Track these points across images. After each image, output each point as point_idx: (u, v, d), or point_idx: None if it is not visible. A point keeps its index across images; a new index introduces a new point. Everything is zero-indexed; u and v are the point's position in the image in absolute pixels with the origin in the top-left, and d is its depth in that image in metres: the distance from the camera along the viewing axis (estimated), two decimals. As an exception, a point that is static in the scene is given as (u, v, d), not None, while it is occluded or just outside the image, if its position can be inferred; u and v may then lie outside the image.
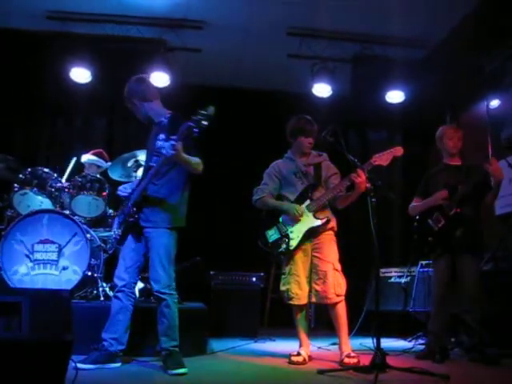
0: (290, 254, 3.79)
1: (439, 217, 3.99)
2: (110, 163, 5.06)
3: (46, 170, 4.90)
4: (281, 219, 3.81)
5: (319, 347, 4.49)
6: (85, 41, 6.00)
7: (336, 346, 3.93)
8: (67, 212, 4.64)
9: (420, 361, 3.78)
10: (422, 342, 4.74)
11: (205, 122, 3.05)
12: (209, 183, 6.45)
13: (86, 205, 4.82)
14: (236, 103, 6.95)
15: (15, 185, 4.76)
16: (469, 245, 3.91)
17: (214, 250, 6.25)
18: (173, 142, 3.10)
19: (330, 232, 3.83)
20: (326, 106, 6.52)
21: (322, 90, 6.41)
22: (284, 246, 3.75)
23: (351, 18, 5.79)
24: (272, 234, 3.80)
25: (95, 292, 4.49)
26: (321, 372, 3.22)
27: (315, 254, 3.76)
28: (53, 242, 4.35)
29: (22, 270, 4.26)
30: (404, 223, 6.91)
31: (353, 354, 3.58)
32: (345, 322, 3.71)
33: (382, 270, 5.88)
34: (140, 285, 4.47)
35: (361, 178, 3.49)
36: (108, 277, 4.45)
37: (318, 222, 3.74)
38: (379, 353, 3.06)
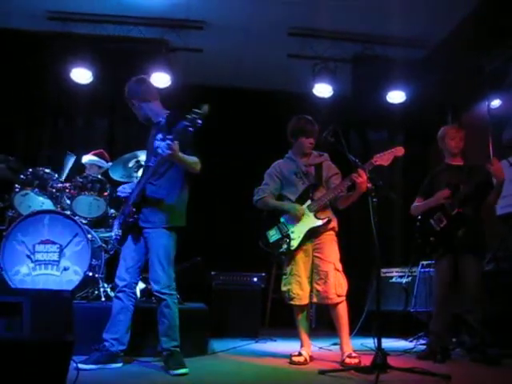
0: (291, 255, 3.79)
1: (441, 217, 3.99)
2: (110, 164, 5.06)
3: (47, 170, 4.89)
4: (282, 219, 3.81)
5: (320, 347, 4.49)
6: (86, 41, 6.01)
7: (337, 347, 3.93)
8: (68, 212, 4.65)
9: (421, 361, 3.78)
10: (423, 342, 4.73)
11: (199, 121, 3.07)
12: (209, 183, 6.47)
13: (87, 205, 4.82)
14: (237, 103, 6.96)
15: (16, 185, 4.76)
16: (471, 245, 3.91)
17: (214, 250, 6.25)
18: (168, 142, 3.10)
19: (331, 232, 3.83)
20: (327, 106, 6.53)
21: (322, 90, 6.42)
22: (285, 246, 3.75)
23: (352, 18, 5.80)
24: (273, 235, 3.80)
25: (96, 292, 4.49)
26: (322, 372, 3.22)
27: (316, 254, 3.76)
28: (54, 243, 4.35)
29: (24, 270, 4.26)
30: (405, 223, 6.91)
31: (354, 355, 3.58)
32: (346, 322, 3.70)
33: (383, 270, 5.88)
34: (141, 285, 4.47)
35: (362, 178, 3.49)
36: (109, 277, 4.45)
37: (319, 222, 3.74)
38: (380, 353, 3.05)
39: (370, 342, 3.74)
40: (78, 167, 5.37)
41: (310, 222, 3.74)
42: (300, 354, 3.72)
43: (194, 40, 6.12)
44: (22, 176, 4.79)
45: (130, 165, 4.66)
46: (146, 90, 3.57)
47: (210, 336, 4.40)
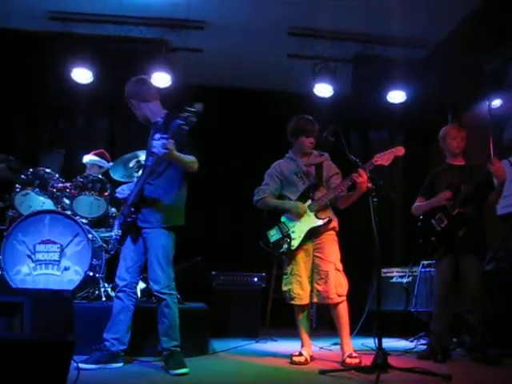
0: (291, 254, 3.79)
1: (442, 217, 3.99)
2: (111, 163, 5.07)
3: (47, 170, 4.90)
4: (282, 219, 3.81)
5: (321, 347, 4.49)
6: (86, 41, 6.01)
7: (338, 346, 3.93)
8: (69, 212, 4.65)
9: (422, 361, 3.78)
10: (424, 342, 4.73)
11: (193, 119, 3.08)
12: (209, 183, 6.49)
13: (88, 205, 4.83)
14: (237, 103, 6.97)
15: (17, 185, 4.77)
16: (471, 245, 3.91)
17: (215, 250, 6.25)
18: (164, 141, 3.10)
19: (332, 232, 3.83)
20: (328, 106, 6.53)
21: (323, 90, 6.42)
22: (285, 246, 3.75)
23: (352, 18, 5.80)
24: (273, 234, 3.80)
25: (97, 292, 4.49)
26: (322, 372, 3.22)
27: (317, 254, 3.76)
28: (54, 243, 4.35)
29: (24, 270, 4.27)
30: (405, 223, 6.92)
31: (354, 354, 3.58)
32: (346, 322, 3.70)
33: (384, 270, 5.88)
34: (142, 285, 4.47)
35: (362, 178, 3.49)
36: (110, 277, 4.46)
37: (320, 222, 3.74)
38: (381, 353, 3.05)
39: (371, 342, 3.73)
40: (79, 167, 5.37)
41: (311, 221, 3.74)
42: (301, 354, 3.72)
43: (194, 40, 6.12)
44: (22, 176, 4.79)
45: (131, 165, 4.66)
46: (145, 90, 3.57)
47: (211, 336, 4.40)
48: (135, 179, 4.41)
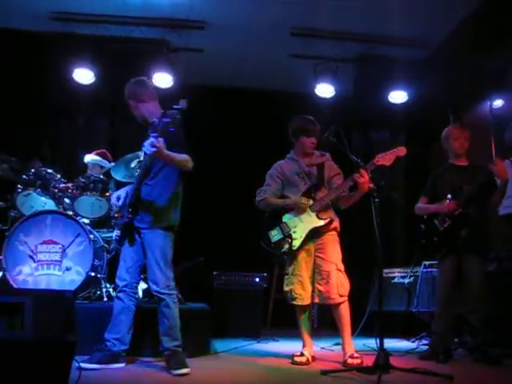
0: (293, 255, 3.79)
1: (445, 217, 3.99)
2: (113, 163, 5.07)
3: (49, 170, 4.90)
4: (284, 219, 3.81)
5: (322, 348, 4.49)
6: (88, 42, 6.02)
7: (339, 347, 3.93)
8: (70, 213, 4.65)
9: (423, 361, 3.77)
10: (426, 342, 4.73)
11: (177, 116, 3.13)
12: (210, 183, 6.50)
13: (89, 205, 4.83)
14: (238, 103, 6.97)
15: (18, 185, 4.77)
16: (474, 245, 3.91)
17: (216, 250, 6.25)
18: (152, 140, 3.10)
19: (333, 232, 3.82)
20: (329, 107, 6.53)
21: (324, 90, 6.42)
22: (287, 246, 3.75)
23: (354, 18, 5.79)
24: (275, 235, 3.80)
25: (98, 293, 4.49)
26: (324, 373, 3.21)
27: (318, 255, 3.76)
28: (56, 243, 4.36)
29: (26, 270, 4.27)
30: (407, 223, 6.92)
31: (356, 355, 3.58)
32: (348, 323, 3.70)
33: (386, 271, 5.88)
34: (143, 285, 4.47)
35: (364, 178, 3.49)
36: (111, 277, 4.45)
37: (321, 223, 3.74)
38: (382, 353, 3.05)
39: (372, 343, 3.72)
40: (80, 167, 5.38)
41: (312, 222, 3.74)
42: (302, 354, 3.72)
43: (195, 40, 6.13)
44: (24, 176, 4.80)
45: (132, 165, 4.64)
46: (143, 91, 3.57)
47: (212, 336, 4.40)
48: (136, 179, 4.41)
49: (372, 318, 4.56)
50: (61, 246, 4.35)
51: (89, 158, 5.33)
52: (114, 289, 4.29)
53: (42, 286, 4.21)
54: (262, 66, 6.72)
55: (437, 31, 5.95)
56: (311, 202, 3.77)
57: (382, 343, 3.09)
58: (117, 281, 3.47)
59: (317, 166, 3.93)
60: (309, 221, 3.74)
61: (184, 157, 3.33)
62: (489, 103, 5.93)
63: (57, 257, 4.33)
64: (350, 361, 3.53)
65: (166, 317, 3.35)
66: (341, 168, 3.97)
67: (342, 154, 3.62)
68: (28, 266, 4.28)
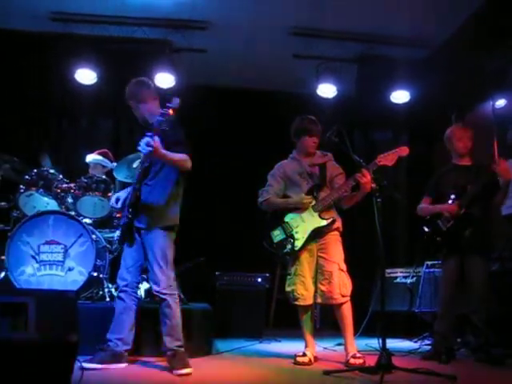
0: (295, 255, 3.78)
1: (448, 217, 3.98)
2: (115, 164, 5.07)
3: (51, 171, 4.91)
4: (286, 219, 3.81)
5: (325, 348, 4.49)
6: (90, 42, 6.02)
7: (341, 347, 3.92)
8: (73, 213, 4.66)
9: (426, 361, 3.77)
10: (428, 342, 4.72)
11: (169, 113, 3.13)
12: (213, 183, 6.50)
13: (92, 206, 4.83)
14: (240, 103, 6.96)
15: (21, 186, 4.78)
16: (477, 245, 3.91)
17: (219, 250, 6.25)
18: (147, 139, 3.10)
19: (336, 232, 3.82)
20: (331, 107, 6.52)
21: (326, 90, 6.41)
22: (289, 246, 3.75)
23: (355, 18, 5.78)
24: (277, 235, 3.80)
25: (101, 293, 4.49)
26: (326, 373, 3.21)
27: (320, 255, 3.76)
28: (58, 243, 4.36)
29: (29, 270, 4.28)
30: (409, 223, 6.90)
31: (358, 355, 3.58)
32: (350, 323, 3.70)
33: (388, 271, 5.88)
34: (146, 285, 4.48)
35: (366, 178, 3.49)
36: (113, 277, 4.45)
37: (324, 223, 3.74)
38: (385, 353, 3.05)
39: (375, 343, 3.73)
40: (82, 167, 5.38)
41: (315, 222, 3.74)
42: (304, 355, 3.72)
43: (197, 40, 6.12)
44: (26, 176, 4.80)
45: (135, 165, 4.64)
46: (144, 92, 3.57)
47: (214, 336, 4.41)
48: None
49: (374, 318, 4.56)
50: (63, 246, 4.36)
51: (90, 157, 5.33)
52: (117, 289, 4.31)
53: (45, 287, 4.22)
54: (264, 66, 6.71)
55: (438, 31, 5.94)
56: (313, 202, 3.77)
57: (384, 343, 3.08)
58: (118, 281, 3.48)
59: (319, 166, 3.93)
60: (311, 221, 3.74)
61: (181, 156, 3.31)
62: (491, 103, 5.92)
63: (59, 257, 4.33)
64: (352, 361, 3.53)
65: (168, 317, 3.35)
66: (343, 168, 3.96)
67: (344, 153, 3.62)
68: (30, 267, 4.28)
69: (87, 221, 4.74)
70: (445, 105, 6.72)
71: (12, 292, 3.06)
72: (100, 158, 5.31)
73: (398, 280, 5.84)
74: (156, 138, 3.12)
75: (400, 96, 6.52)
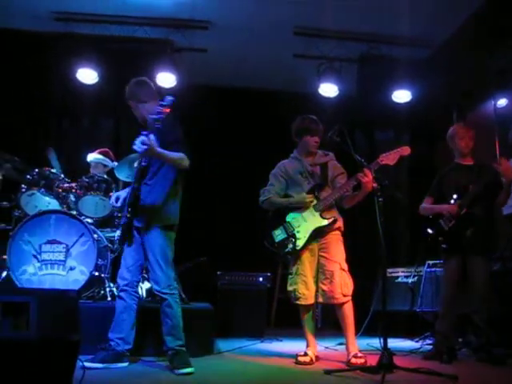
0: (296, 254, 3.78)
1: (450, 217, 3.98)
2: (116, 163, 5.08)
3: (53, 170, 4.92)
4: (287, 219, 3.81)
5: (326, 347, 4.48)
6: (91, 42, 6.02)
7: (343, 346, 3.93)
8: (74, 212, 4.66)
9: (427, 361, 3.77)
10: (430, 342, 4.72)
11: (162, 113, 3.14)
12: (213, 183, 6.50)
13: (93, 205, 4.84)
14: (241, 103, 6.97)
15: (22, 185, 4.79)
16: (479, 245, 3.90)
17: (220, 250, 6.25)
18: (143, 138, 3.10)
19: (337, 232, 3.82)
20: (333, 106, 6.52)
21: (328, 89, 6.41)
22: (291, 245, 3.75)
23: (357, 17, 5.78)
24: (278, 234, 3.80)
25: (102, 292, 4.50)
26: (328, 372, 3.22)
27: (322, 254, 3.76)
28: (60, 243, 4.37)
29: (30, 270, 4.28)
30: (411, 223, 6.89)
31: (360, 354, 3.57)
32: (352, 322, 3.70)
33: (389, 270, 5.87)
34: (147, 285, 4.48)
35: (367, 178, 3.48)
36: (115, 277, 4.45)
37: (325, 222, 3.73)
38: (386, 353, 3.05)
39: (376, 342, 3.73)
40: (83, 167, 5.38)
41: (316, 221, 3.74)
42: (306, 354, 3.72)
43: (198, 40, 6.12)
44: (28, 176, 4.81)
45: (136, 165, 4.66)
46: (143, 92, 3.58)
47: (216, 336, 4.40)
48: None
49: (376, 318, 4.55)
50: (65, 245, 4.37)
51: (91, 156, 5.34)
52: (118, 288, 4.32)
53: (46, 286, 4.23)
54: (266, 66, 6.72)
55: (438, 31, 5.94)
56: (315, 201, 3.77)
57: (385, 343, 3.08)
58: (118, 280, 3.48)
59: (320, 166, 3.93)
60: (312, 220, 3.74)
61: (178, 155, 3.31)
62: (493, 102, 5.91)
63: (61, 256, 4.34)
64: (353, 360, 3.53)
65: (169, 317, 3.35)
66: (344, 167, 3.96)
67: (345, 153, 3.62)
68: (32, 266, 4.29)
69: (89, 220, 4.75)
70: (446, 104, 6.72)
71: (14, 291, 3.05)
72: (101, 157, 5.32)
73: (399, 279, 5.84)
74: (151, 137, 3.12)
75: (401, 96, 6.52)
